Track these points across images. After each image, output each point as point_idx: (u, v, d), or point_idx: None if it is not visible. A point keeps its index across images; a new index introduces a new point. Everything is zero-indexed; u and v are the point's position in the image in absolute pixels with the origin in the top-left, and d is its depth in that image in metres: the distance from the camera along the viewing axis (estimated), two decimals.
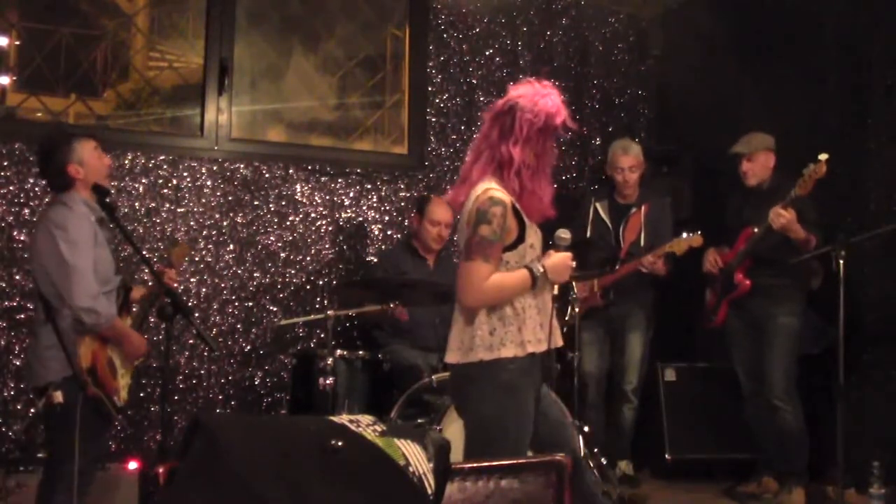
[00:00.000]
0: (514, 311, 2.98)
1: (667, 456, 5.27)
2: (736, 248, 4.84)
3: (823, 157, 4.26)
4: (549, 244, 3.09)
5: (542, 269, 2.98)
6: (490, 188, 2.97)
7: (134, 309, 3.76)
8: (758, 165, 4.82)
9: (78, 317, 3.39)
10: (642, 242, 5.12)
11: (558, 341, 3.13)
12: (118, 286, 3.66)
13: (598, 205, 5.29)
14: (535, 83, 3.05)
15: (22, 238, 4.65)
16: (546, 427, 3.10)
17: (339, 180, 5.49)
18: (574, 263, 3.09)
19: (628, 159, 5.18)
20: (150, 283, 3.88)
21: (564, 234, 3.09)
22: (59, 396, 3.20)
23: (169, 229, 5.03)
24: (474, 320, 2.98)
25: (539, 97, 3.01)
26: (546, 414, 3.12)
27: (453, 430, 4.01)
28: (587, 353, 5.06)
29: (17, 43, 5.16)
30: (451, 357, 3.04)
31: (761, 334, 4.77)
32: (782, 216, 4.44)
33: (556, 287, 3.06)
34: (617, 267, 4.99)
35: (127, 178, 4.90)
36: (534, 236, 3.06)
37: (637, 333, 5.21)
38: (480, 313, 2.97)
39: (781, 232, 4.50)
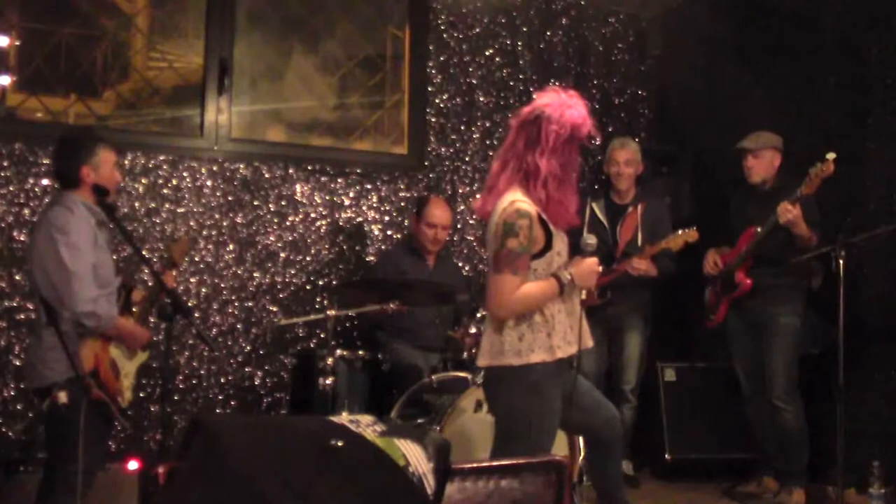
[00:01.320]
0: (544, 318, 3.05)
1: (667, 456, 5.26)
2: (737, 248, 4.82)
3: (831, 156, 4.25)
4: (575, 250, 3.17)
5: (569, 277, 3.05)
6: (516, 200, 3.01)
7: (134, 310, 3.76)
8: (763, 163, 4.80)
9: (79, 320, 3.40)
10: (639, 242, 5.11)
11: (588, 342, 3.22)
12: (119, 287, 3.66)
13: (594, 205, 5.27)
14: (561, 92, 3.08)
15: (22, 238, 4.65)
16: (585, 412, 3.22)
17: (339, 180, 5.49)
18: (601, 268, 3.16)
19: (624, 153, 5.19)
20: (149, 284, 3.88)
21: (591, 239, 3.18)
22: (63, 397, 3.19)
23: (169, 229, 5.03)
24: (503, 327, 3.05)
25: (565, 107, 3.03)
26: (581, 402, 3.20)
27: (453, 430, 4.01)
28: (585, 353, 5.03)
29: (18, 43, 5.15)
30: (483, 360, 3.12)
31: (762, 334, 4.77)
32: (790, 211, 4.44)
33: (584, 291, 3.12)
34: (613, 266, 4.99)
35: (127, 178, 4.89)
36: (560, 243, 3.11)
37: (635, 333, 5.20)
38: (509, 320, 3.04)
39: (787, 226, 4.49)
